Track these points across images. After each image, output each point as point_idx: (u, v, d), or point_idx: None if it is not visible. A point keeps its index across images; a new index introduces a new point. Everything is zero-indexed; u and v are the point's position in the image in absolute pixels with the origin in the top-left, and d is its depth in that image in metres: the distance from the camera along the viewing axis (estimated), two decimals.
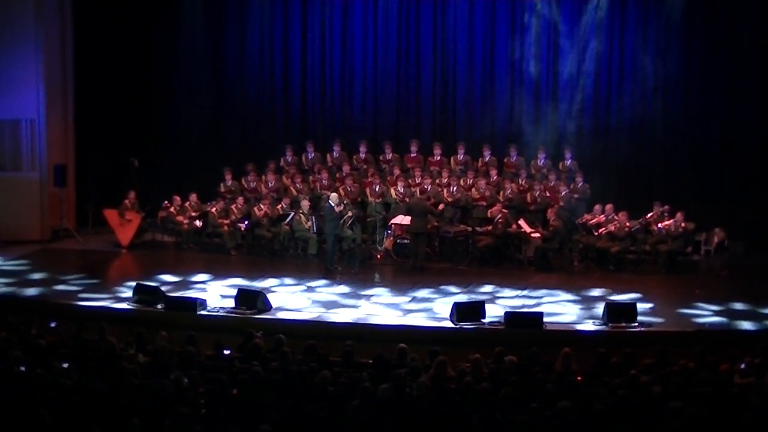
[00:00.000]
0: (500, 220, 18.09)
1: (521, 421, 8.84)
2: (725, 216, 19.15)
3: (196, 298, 14.97)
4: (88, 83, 21.34)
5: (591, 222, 18.35)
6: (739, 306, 15.17)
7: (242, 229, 19.25)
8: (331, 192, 18.50)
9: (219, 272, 17.29)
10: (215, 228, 19.40)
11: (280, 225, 18.85)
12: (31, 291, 16.07)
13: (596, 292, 16.01)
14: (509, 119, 20.88)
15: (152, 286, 15.58)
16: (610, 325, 13.97)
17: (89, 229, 20.74)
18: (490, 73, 20.96)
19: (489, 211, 18.65)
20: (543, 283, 16.70)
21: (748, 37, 19.53)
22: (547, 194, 18.99)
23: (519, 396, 9.50)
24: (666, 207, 18.24)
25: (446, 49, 21.11)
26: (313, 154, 20.56)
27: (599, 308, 14.60)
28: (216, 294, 15.68)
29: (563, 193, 19.01)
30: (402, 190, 19.22)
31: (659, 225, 18.01)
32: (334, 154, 20.47)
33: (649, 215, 18.29)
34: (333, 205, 17.61)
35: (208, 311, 14.70)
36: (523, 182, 19.40)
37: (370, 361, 11.13)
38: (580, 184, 19.20)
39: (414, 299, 15.62)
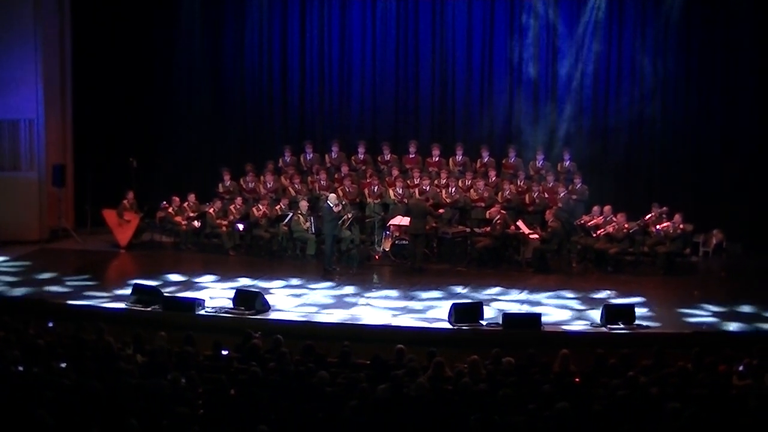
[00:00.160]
0: (499, 221, 18.09)
1: (519, 422, 8.84)
2: (724, 217, 19.18)
3: (195, 299, 14.98)
4: (87, 83, 21.35)
5: (589, 223, 18.35)
6: (737, 307, 15.17)
7: (241, 229, 19.25)
8: (330, 193, 18.50)
9: (217, 273, 17.29)
10: (214, 228, 19.40)
11: (278, 225, 18.84)
12: (30, 291, 16.07)
13: (594, 294, 16.01)
14: (508, 120, 20.88)
15: (150, 287, 15.59)
16: (608, 326, 13.98)
17: (88, 229, 20.75)
18: (488, 74, 20.96)
19: (487, 212, 18.65)
20: (541, 285, 16.69)
21: (746, 38, 19.56)
22: (546, 195, 18.99)
23: (517, 397, 9.50)
24: (664, 208, 18.24)
25: (445, 49, 21.11)
26: (311, 155, 20.56)
27: (597, 309, 14.60)
28: (214, 294, 15.67)
29: (562, 194, 19.01)
30: (400, 191, 19.22)
31: (658, 226, 18.02)
32: (333, 154, 20.47)
33: (647, 217, 18.29)
34: (331, 205, 17.61)
35: (207, 311, 14.70)
36: (522, 183, 19.41)
37: (368, 362, 11.13)
38: (578, 186, 19.20)
39: (412, 300, 15.62)
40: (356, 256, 18.44)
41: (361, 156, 20.42)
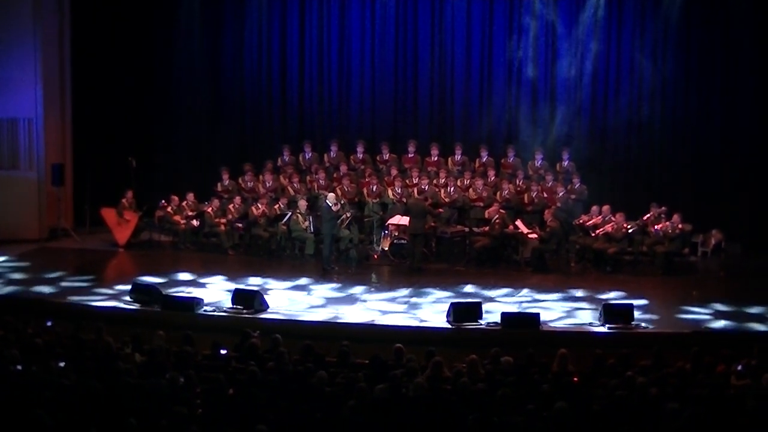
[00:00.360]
0: (497, 221, 18.09)
1: (518, 422, 8.84)
2: (722, 217, 19.16)
3: (194, 298, 14.98)
4: (86, 83, 21.32)
5: (588, 223, 18.35)
6: (735, 308, 15.17)
7: (240, 229, 19.25)
8: (329, 192, 18.49)
9: (216, 272, 17.29)
10: (212, 228, 19.40)
11: (277, 225, 18.84)
12: (29, 290, 16.06)
13: (593, 294, 16.00)
14: (507, 120, 20.87)
15: (149, 286, 15.60)
16: (607, 326, 13.99)
17: (87, 229, 20.72)
18: (487, 74, 20.95)
19: (486, 211, 18.64)
20: (540, 284, 16.70)
21: (746, 38, 19.54)
22: (545, 195, 19.00)
23: (515, 397, 9.50)
24: (663, 208, 18.25)
25: (444, 49, 21.09)
26: (310, 154, 20.56)
27: (596, 309, 14.61)
28: (213, 294, 15.67)
29: (560, 194, 19.00)
30: (399, 191, 19.22)
31: (656, 226, 18.02)
32: (332, 154, 20.47)
33: (646, 216, 18.30)
34: (330, 205, 17.61)
35: (205, 311, 14.70)
36: (521, 183, 19.42)
37: (367, 362, 11.14)
38: (577, 185, 19.20)
39: (411, 300, 15.62)
40: (355, 255, 18.44)
41: (359, 155, 20.42)
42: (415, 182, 19.35)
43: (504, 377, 10.55)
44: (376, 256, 18.76)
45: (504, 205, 18.63)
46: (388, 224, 18.68)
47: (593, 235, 18.15)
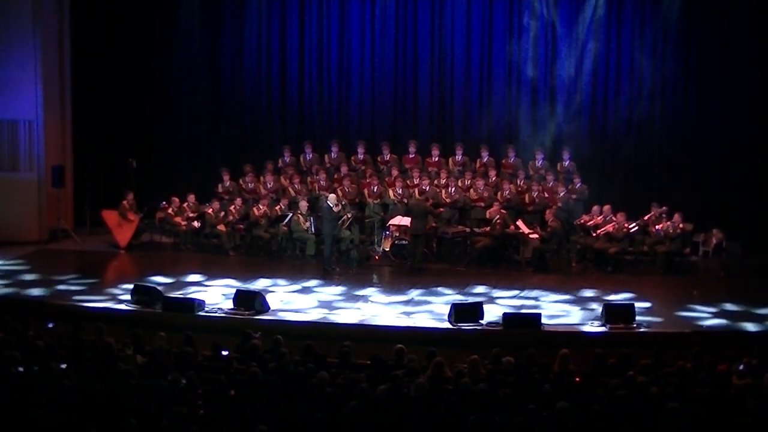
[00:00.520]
0: (498, 221, 18.09)
1: (519, 422, 8.85)
2: (723, 217, 19.17)
3: (194, 299, 14.97)
4: (86, 84, 21.32)
5: (589, 223, 18.35)
6: (736, 307, 15.18)
7: (241, 230, 19.25)
8: (329, 193, 18.50)
9: (217, 273, 17.28)
10: (213, 229, 19.39)
11: (278, 226, 18.84)
12: (29, 292, 16.06)
13: (594, 293, 16.01)
14: (507, 120, 20.86)
15: (150, 287, 15.58)
16: (608, 326, 13.98)
17: (87, 230, 20.73)
18: (487, 74, 20.94)
19: (487, 211, 18.64)
20: (541, 284, 16.69)
21: (746, 38, 19.54)
22: (545, 195, 18.99)
23: (517, 397, 9.51)
24: (664, 208, 18.25)
25: (444, 49, 21.09)
26: (311, 155, 20.55)
27: (597, 309, 14.60)
28: (214, 295, 15.67)
29: (561, 194, 19.00)
30: (400, 191, 19.22)
31: (657, 226, 18.02)
32: (332, 154, 20.46)
33: (647, 216, 18.30)
34: (331, 205, 17.61)
35: (206, 312, 14.70)
36: (521, 183, 19.41)
37: (368, 362, 11.13)
38: (578, 185, 19.20)
39: (412, 300, 15.62)
40: (356, 256, 18.44)
41: (360, 156, 20.41)
42: (415, 183, 19.35)
43: (505, 377, 10.54)
44: (377, 257, 18.76)
45: (505, 206, 18.62)
46: (389, 225, 18.68)
47: (594, 235, 18.15)
